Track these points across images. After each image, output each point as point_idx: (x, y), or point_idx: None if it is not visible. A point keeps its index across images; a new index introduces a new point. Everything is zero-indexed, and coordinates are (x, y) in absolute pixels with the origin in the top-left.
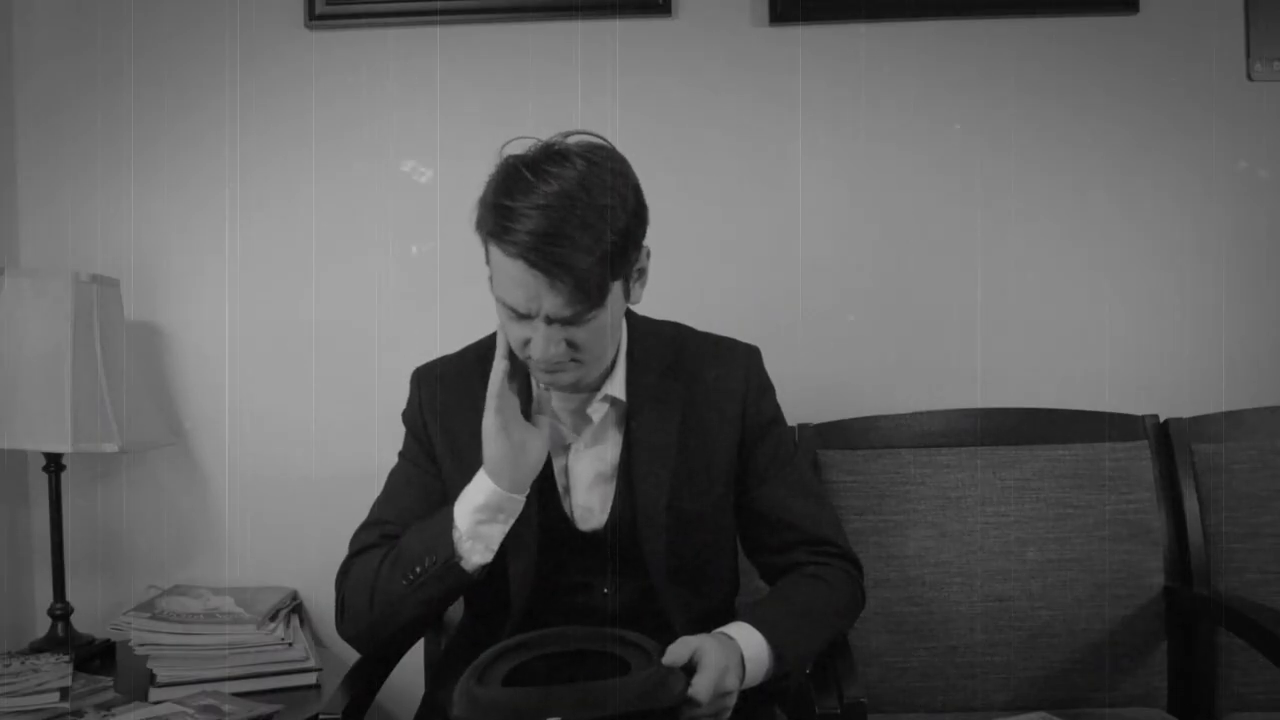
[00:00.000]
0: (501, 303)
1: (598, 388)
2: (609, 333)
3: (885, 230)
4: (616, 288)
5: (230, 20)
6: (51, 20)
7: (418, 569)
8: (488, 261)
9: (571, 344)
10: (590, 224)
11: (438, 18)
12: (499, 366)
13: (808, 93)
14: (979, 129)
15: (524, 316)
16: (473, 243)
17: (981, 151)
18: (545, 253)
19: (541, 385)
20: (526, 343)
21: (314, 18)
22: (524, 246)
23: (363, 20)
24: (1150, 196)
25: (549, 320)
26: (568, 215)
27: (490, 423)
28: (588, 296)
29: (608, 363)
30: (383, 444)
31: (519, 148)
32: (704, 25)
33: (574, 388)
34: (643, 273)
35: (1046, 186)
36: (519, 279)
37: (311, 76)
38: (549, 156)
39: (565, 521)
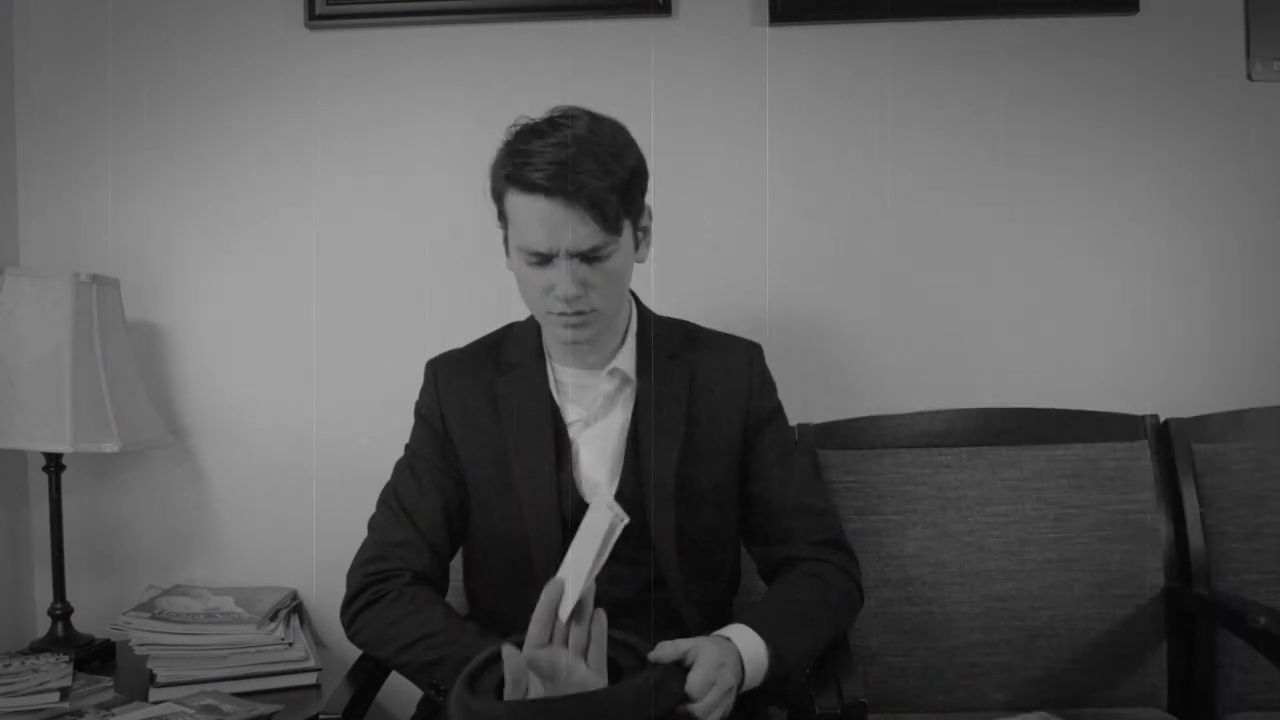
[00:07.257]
0: (523, 252)
1: (606, 364)
2: (623, 280)
3: (886, 231)
4: (627, 234)
5: (230, 20)
6: (51, 22)
7: (442, 687)
8: (503, 218)
9: (588, 285)
10: (602, 159)
11: (437, 18)
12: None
13: (808, 93)
14: (979, 129)
15: (545, 260)
16: (472, 242)
17: (982, 151)
18: (565, 179)
19: (564, 344)
20: (548, 291)
21: (314, 18)
22: (544, 175)
23: (363, 20)
24: (1150, 196)
25: (569, 255)
26: (581, 150)
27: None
28: (605, 221)
29: (622, 326)
30: (383, 444)
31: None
32: (704, 25)
33: (591, 346)
34: (647, 231)
35: (1046, 186)
36: (540, 214)
37: (311, 77)
38: (559, 115)
39: (574, 495)
